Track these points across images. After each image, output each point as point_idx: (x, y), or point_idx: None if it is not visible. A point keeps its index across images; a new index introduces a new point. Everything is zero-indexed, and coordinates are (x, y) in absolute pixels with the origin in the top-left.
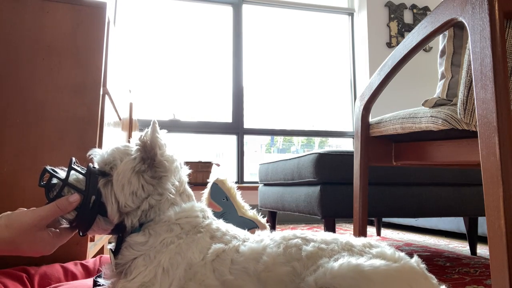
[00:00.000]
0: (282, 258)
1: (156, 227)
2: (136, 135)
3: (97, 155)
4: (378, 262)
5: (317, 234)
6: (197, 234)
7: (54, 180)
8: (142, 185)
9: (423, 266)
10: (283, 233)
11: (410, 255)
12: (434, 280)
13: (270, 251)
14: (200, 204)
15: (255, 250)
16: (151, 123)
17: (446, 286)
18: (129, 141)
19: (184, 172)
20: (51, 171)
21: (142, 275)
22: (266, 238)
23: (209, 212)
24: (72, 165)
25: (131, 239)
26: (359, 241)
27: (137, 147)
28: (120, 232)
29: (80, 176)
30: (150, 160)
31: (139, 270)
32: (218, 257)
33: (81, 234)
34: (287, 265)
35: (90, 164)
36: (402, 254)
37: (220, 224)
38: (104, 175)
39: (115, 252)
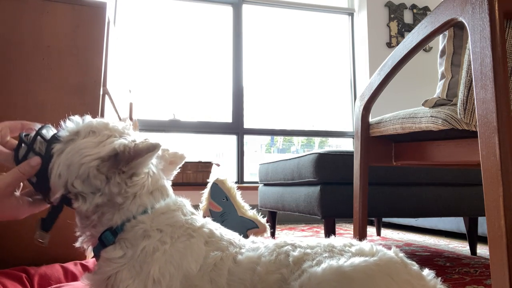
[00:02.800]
0: (273, 266)
1: (129, 236)
2: (141, 135)
3: (74, 121)
4: (357, 260)
5: (304, 240)
6: (189, 239)
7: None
8: (95, 175)
9: (401, 255)
10: (276, 240)
11: (411, 255)
12: (414, 266)
13: (264, 260)
14: (175, 200)
15: (251, 259)
16: (155, 145)
17: (429, 271)
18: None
19: (158, 165)
20: (23, 137)
21: None
22: (261, 246)
23: (187, 206)
24: (41, 131)
25: (107, 254)
26: (340, 242)
27: (114, 147)
28: (56, 207)
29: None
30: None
31: (126, 283)
32: (215, 266)
33: (47, 201)
34: (277, 273)
35: (59, 131)
36: (380, 247)
37: (212, 227)
38: (63, 143)
39: (46, 224)
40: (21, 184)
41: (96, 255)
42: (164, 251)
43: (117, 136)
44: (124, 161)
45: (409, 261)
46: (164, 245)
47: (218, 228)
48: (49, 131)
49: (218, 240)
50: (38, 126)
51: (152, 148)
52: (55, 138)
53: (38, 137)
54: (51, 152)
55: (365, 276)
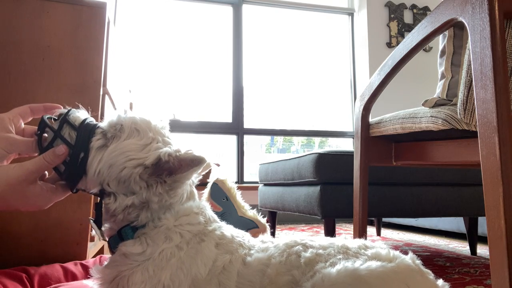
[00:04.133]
0: (283, 268)
1: (153, 234)
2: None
3: (116, 114)
4: (374, 264)
5: (315, 239)
6: (200, 243)
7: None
8: (136, 181)
9: (418, 262)
10: (286, 240)
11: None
12: (430, 275)
13: (274, 261)
14: (198, 204)
15: (261, 261)
16: (199, 160)
17: (444, 283)
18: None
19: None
20: (47, 120)
21: None
22: (271, 246)
23: (208, 210)
24: (67, 117)
25: (125, 248)
26: (354, 243)
27: (159, 155)
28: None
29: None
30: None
31: (137, 287)
32: (224, 269)
33: (72, 190)
34: (287, 274)
35: (89, 119)
36: (397, 252)
37: (224, 229)
38: (105, 137)
39: (99, 222)
40: (46, 173)
41: (112, 247)
42: (179, 258)
43: (160, 141)
44: (166, 170)
45: (425, 270)
46: (180, 251)
47: (229, 230)
48: (74, 115)
49: (229, 242)
50: (48, 108)
51: (197, 163)
52: (90, 128)
53: (65, 123)
54: (88, 144)
55: (381, 282)
